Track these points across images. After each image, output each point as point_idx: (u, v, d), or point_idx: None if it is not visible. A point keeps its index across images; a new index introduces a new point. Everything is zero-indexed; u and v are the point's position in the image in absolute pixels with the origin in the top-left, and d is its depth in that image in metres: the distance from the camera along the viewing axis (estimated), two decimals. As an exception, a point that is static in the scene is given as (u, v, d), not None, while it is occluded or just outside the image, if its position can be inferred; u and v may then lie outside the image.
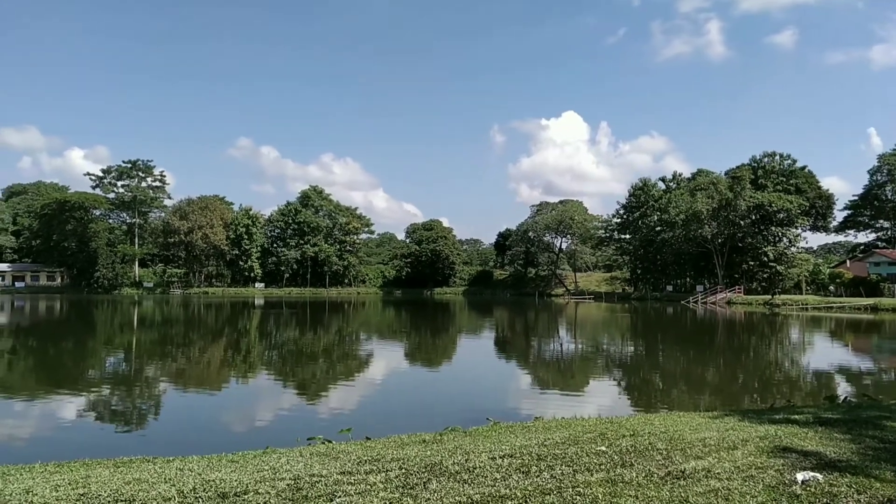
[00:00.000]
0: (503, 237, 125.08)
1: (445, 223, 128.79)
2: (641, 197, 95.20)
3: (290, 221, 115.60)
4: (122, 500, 4.14)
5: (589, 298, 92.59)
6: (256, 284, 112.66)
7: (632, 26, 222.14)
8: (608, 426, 7.32)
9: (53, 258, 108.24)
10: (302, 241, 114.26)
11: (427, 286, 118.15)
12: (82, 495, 4.25)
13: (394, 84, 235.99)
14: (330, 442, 6.53)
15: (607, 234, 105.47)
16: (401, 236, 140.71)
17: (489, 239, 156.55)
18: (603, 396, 17.17)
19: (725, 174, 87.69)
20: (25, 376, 21.34)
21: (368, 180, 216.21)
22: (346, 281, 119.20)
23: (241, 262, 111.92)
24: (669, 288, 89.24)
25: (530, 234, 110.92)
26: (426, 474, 4.94)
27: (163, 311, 60.41)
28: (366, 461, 5.40)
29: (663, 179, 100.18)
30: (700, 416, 8.83)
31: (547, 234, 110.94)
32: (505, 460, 5.42)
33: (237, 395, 18.21)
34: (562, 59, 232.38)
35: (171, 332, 39.36)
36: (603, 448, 5.84)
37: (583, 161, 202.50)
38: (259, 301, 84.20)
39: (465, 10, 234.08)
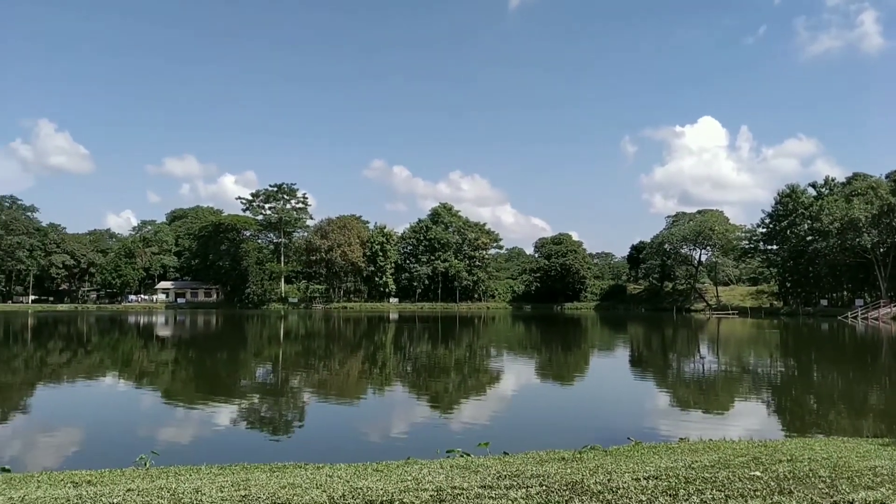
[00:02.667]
0: (636, 250, 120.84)
1: (575, 237, 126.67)
2: (789, 204, 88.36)
3: (422, 238, 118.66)
4: (278, 503, 4.40)
5: (733, 314, 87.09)
6: (391, 299, 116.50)
7: (773, 24, 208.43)
8: (761, 450, 6.82)
9: (210, 276, 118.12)
10: (433, 257, 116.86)
11: (557, 301, 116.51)
12: (244, 497, 4.56)
13: (520, 98, 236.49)
14: (468, 455, 6.58)
15: (751, 245, 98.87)
16: (529, 251, 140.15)
17: (621, 252, 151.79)
18: (750, 418, 16.03)
19: (886, 177, 79.66)
20: (186, 385, 23.32)
21: (496, 196, 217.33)
22: (476, 296, 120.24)
23: (376, 278, 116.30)
24: (824, 302, 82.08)
25: (666, 246, 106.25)
26: (567, 493, 4.84)
27: (306, 325, 63.92)
28: (505, 476, 5.38)
29: (814, 185, 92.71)
30: (867, 443, 8.01)
31: (684, 246, 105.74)
32: (650, 482, 5.19)
33: (375, 405, 18.82)
34: (696, 62, 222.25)
35: (314, 345, 41.52)
36: (757, 473, 5.44)
37: (722, 168, 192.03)
38: (393, 315, 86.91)
39: (592, 16, 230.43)
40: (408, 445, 11.39)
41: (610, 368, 29.87)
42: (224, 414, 16.49)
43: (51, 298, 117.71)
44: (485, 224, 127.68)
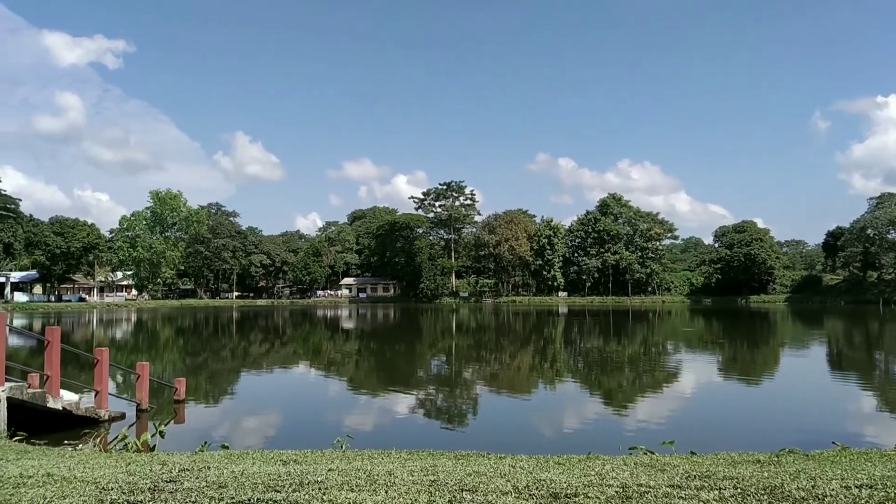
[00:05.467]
0: (833, 237, 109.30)
1: (760, 224, 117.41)
2: None
3: (590, 230, 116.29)
4: (466, 490, 4.56)
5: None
6: (559, 293, 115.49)
7: None
8: None
9: (387, 272, 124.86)
10: (602, 250, 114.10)
11: (741, 293, 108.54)
12: (433, 482, 4.78)
13: (691, 80, 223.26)
14: (653, 453, 6.37)
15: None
16: (708, 240, 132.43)
17: (814, 239, 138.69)
18: None
19: None
20: (369, 374, 24.83)
21: (669, 183, 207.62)
22: (650, 289, 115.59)
23: (544, 272, 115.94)
24: None
25: (869, 231, 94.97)
26: (766, 497, 4.51)
27: (476, 319, 65.32)
28: (695, 476, 5.14)
29: None
30: None
31: (892, 231, 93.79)
32: (863, 491, 4.69)
33: (548, 399, 18.77)
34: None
35: (485, 338, 42.31)
36: None
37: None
38: (562, 309, 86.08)
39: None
40: (586, 440, 11.25)
41: (805, 367, 27.26)
42: (404, 402, 17.35)
43: (251, 294, 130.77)
44: (657, 213, 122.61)
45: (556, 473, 5.17)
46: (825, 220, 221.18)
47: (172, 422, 13.59)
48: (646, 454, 6.32)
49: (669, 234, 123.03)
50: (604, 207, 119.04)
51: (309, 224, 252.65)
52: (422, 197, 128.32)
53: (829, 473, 5.35)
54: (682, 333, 45.48)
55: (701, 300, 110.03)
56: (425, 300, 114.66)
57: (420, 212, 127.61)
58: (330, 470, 5.26)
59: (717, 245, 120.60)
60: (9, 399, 10.46)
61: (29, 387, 11.63)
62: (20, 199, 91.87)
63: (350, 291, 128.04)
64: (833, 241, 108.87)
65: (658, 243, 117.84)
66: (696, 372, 23.87)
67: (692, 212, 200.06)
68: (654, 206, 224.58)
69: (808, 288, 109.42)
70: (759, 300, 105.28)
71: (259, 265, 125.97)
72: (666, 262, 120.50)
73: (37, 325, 51.27)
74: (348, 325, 57.72)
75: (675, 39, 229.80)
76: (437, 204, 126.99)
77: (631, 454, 6.32)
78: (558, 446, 8.81)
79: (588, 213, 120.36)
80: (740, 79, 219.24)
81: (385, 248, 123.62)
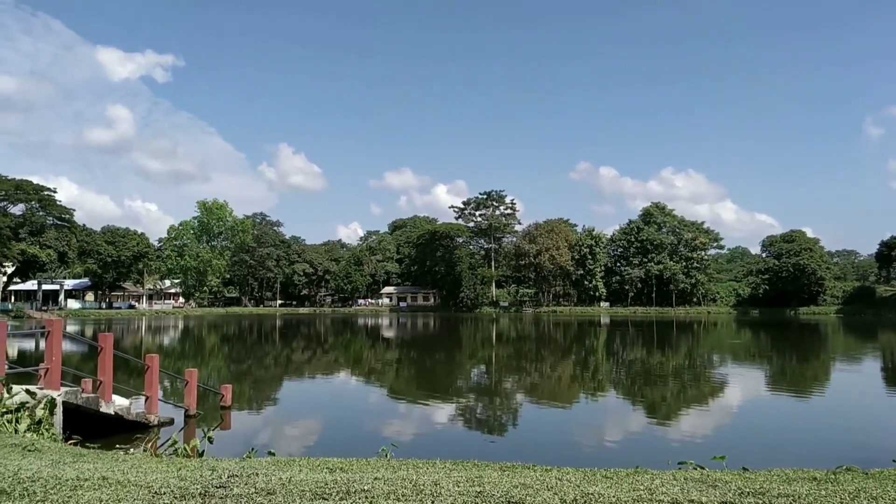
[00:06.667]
0: (887, 246, 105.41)
1: (809, 233, 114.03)
2: None
3: (633, 240, 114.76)
4: (513, 502, 4.52)
5: None
6: (601, 303, 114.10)
7: None
8: None
9: (427, 281, 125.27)
10: (645, 260, 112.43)
11: (790, 305, 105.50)
12: (479, 493, 4.76)
13: (733, 82, 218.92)
14: (703, 468, 6.21)
15: None
16: (755, 250, 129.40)
17: (867, 249, 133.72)
18: None
19: None
20: (409, 383, 24.88)
21: (714, 191, 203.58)
22: (695, 300, 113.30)
23: (585, 282, 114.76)
24: None
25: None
26: (825, 517, 4.36)
27: (517, 329, 64.94)
28: (748, 493, 4.98)
29: None
30: None
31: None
32: (930, 514, 4.49)
33: (591, 411, 18.52)
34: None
35: (525, 348, 42.02)
36: None
37: None
38: (604, 320, 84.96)
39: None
40: (632, 453, 11.05)
41: (860, 381, 26.30)
42: (445, 411, 17.32)
43: (294, 303, 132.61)
44: (702, 222, 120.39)
45: (603, 487, 5.09)
46: (878, 230, 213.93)
47: (219, 428, 13.84)
48: (696, 469, 6.16)
49: (715, 244, 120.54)
50: (647, 216, 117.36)
51: (350, 233, 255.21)
52: (462, 206, 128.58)
53: (892, 493, 5.14)
54: (729, 345, 44.40)
55: (748, 311, 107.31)
56: (465, 309, 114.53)
57: (460, 221, 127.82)
58: (376, 479, 5.28)
59: (764, 255, 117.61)
60: (64, 403, 10.79)
61: (82, 391, 12.00)
62: (74, 210, 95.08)
63: (390, 300, 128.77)
64: (887, 251, 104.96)
65: (703, 253, 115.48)
66: (744, 385, 23.25)
67: (738, 221, 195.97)
68: (698, 215, 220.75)
69: (861, 300, 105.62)
70: (809, 312, 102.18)
71: (302, 274, 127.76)
72: (711, 272, 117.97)
73: (88, 331, 52.90)
74: (389, 333, 58.01)
75: (719, 46, 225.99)
76: (477, 213, 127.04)
77: (680, 469, 6.17)
78: (603, 459, 8.67)
79: (631, 222, 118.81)
80: (787, 84, 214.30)
81: (425, 257, 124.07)
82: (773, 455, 10.98)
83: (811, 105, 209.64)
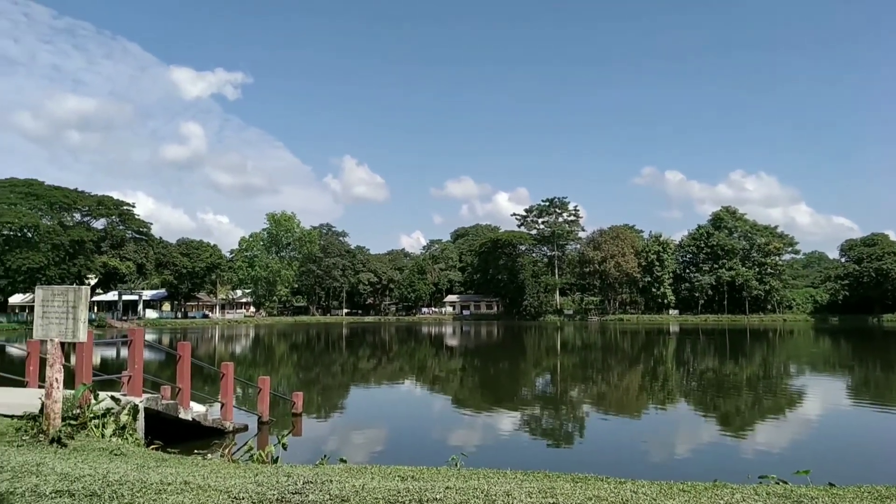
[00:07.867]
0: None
1: (892, 236, 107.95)
2: None
3: (703, 245, 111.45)
4: (588, 515, 4.45)
5: None
6: (670, 311, 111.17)
7: None
8: None
9: (490, 289, 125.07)
10: (716, 266, 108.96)
11: (872, 312, 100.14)
12: (552, 504, 4.71)
13: (805, 79, 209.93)
14: (786, 483, 5.95)
15: None
16: (833, 255, 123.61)
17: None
18: None
19: None
20: (473, 391, 24.85)
21: (787, 194, 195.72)
22: (769, 307, 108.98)
23: (653, 289, 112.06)
24: None
25: None
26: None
27: (582, 337, 63.96)
28: (836, 511, 4.76)
29: None
30: None
31: None
32: None
33: (661, 422, 18.02)
34: None
35: (591, 356, 41.32)
36: None
37: None
38: (674, 328, 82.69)
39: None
40: (707, 466, 10.68)
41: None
42: (511, 420, 17.21)
43: (359, 311, 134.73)
44: (776, 227, 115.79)
45: (681, 501, 4.94)
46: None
47: (291, 434, 14.17)
48: (778, 483, 5.91)
49: (790, 249, 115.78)
50: (717, 221, 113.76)
51: (413, 242, 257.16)
52: (524, 214, 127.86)
53: None
54: (807, 354, 42.47)
55: (826, 319, 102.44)
56: (529, 318, 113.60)
57: (522, 229, 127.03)
58: (447, 488, 5.29)
59: (843, 260, 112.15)
60: (146, 409, 11.28)
61: (162, 398, 12.52)
62: (151, 223, 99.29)
63: (453, 308, 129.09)
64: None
65: (777, 258, 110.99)
66: (824, 396, 22.18)
67: (814, 224, 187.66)
68: (771, 218, 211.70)
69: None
70: (894, 319, 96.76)
71: (367, 283, 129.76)
72: (786, 278, 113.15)
73: (165, 339, 55.18)
74: (452, 342, 58.14)
75: (787, 40, 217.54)
76: (539, 220, 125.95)
77: (761, 483, 5.93)
78: (677, 472, 8.41)
79: (700, 227, 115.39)
80: (862, 80, 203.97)
81: (488, 265, 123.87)
82: (859, 470, 10.42)
83: (888, 101, 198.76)
